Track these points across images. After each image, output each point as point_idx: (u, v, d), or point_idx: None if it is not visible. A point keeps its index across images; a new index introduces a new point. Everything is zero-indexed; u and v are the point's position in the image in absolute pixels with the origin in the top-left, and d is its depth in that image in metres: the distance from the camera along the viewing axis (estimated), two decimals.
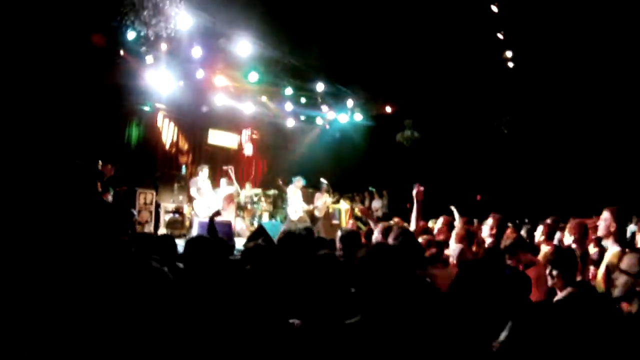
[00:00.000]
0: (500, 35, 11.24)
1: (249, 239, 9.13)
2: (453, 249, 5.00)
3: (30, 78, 8.25)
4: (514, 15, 10.79)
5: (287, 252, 3.92)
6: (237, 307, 2.60)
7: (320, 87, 13.83)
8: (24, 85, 8.01)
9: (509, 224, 6.17)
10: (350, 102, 15.04)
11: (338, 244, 4.95)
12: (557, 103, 13.07)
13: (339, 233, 4.96)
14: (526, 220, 8.95)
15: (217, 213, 6.47)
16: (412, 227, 5.37)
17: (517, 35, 11.49)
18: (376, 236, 5.31)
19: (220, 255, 3.43)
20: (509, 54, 11.94)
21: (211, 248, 3.25)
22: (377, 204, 13.93)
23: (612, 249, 4.07)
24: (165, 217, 11.33)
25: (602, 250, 4.48)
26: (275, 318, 2.59)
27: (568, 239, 5.24)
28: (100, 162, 10.03)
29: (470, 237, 5.24)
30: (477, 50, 11.62)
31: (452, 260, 4.86)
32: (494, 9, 10.34)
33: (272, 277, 3.32)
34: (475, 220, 8.11)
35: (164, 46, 10.24)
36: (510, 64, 12.07)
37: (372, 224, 6.71)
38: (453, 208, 7.53)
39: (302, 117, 16.16)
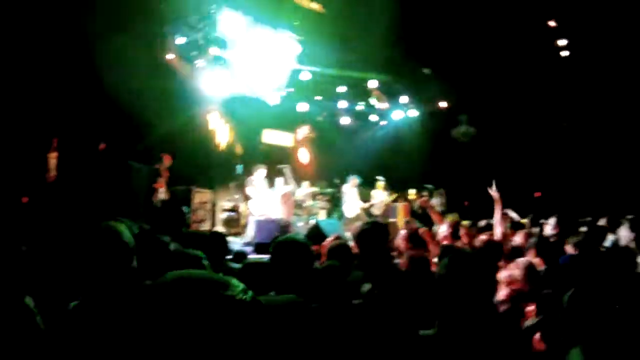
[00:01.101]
0: (552, 23, 10.73)
1: (305, 237, 9.31)
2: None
3: (87, 84, 8.67)
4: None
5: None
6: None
7: (373, 84, 13.73)
8: (79, 91, 8.42)
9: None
10: (404, 99, 14.83)
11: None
12: (620, 91, 12.29)
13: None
14: (588, 219, 8.47)
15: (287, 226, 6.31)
16: (497, 233, 4.90)
17: (570, 22, 10.93)
18: (444, 230, 5.44)
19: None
20: (562, 42, 11.36)
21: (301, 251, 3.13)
22: (434, 201, 13.66)
23: None
24: (221, 216, 11.59)
25: None
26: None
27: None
28: (163, 157, 10.45)
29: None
30: (529, 40, 11.15)
31: None
32: None
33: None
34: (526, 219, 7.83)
35: (213, 49, 10.44)
36: (565, 53, 11.48)
37: (434, 219, 6.64)
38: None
39: (356, 115, 16.09)
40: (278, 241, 2.83)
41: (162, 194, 10.14)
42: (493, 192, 5.07)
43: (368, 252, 3.36)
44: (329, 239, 4.53)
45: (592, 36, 11.19)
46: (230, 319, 0.97)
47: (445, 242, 5.27)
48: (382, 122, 16.55)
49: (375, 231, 3.43)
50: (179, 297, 0.97)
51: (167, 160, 10.44)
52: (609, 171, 12.97)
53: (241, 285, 1.03)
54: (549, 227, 5.29)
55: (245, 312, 1.00)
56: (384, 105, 15.44)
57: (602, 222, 6.96)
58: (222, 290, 1.01)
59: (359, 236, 3.48)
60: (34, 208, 5.68)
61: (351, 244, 3.86)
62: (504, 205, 9.26)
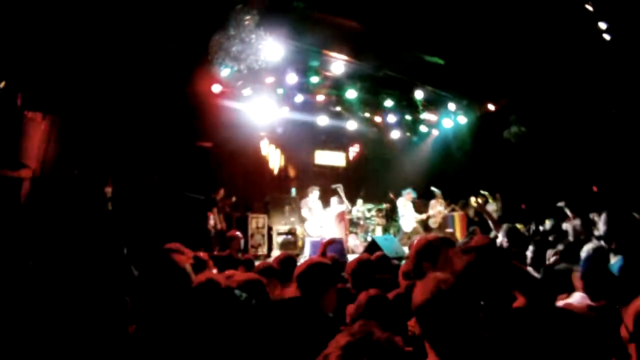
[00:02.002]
0: (589, 7, 10.32)
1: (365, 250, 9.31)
2: None
3: (147, 122, 9.10)
4: None
5: None
6: None
7: (419, 94, 13.66)
8: (135, 122, 8.83)
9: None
10: (452, 106, 14.66)
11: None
12: None
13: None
14: None
15: (332, 241, 6.37)
16: None
17: (609, 4, 10.49)
18: (501, 239, 5.17)
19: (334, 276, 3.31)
20: (603, 25, 10.89)
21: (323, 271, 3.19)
22: (490, 207, 13.34)
23: None
24: (278, 239, 11.77)
25: None
26: None
27: None
28: (221, 190, 10.80)
29: None
30: (571, 28, 10.76)
31: None
32: None
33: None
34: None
35: (258, 77, 10.72)
36: (607, 36, 10.99)
37: (491, 225, 6.50)
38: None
39: (406, 127, 16.02)
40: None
41: (218, 222, 10.43)
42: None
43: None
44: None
45: (631, 16, 10.72)
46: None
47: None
48: (433, 132, 16.37)
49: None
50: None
51: (221, 191, 10.77)
52: None
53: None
54: (600, 224, 5.02)
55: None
56: (432, 116, 15.30)
57: None
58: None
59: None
60: (94, 240, 6.00)
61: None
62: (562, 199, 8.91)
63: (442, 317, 2.10)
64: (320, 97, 13.24)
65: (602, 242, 4.01)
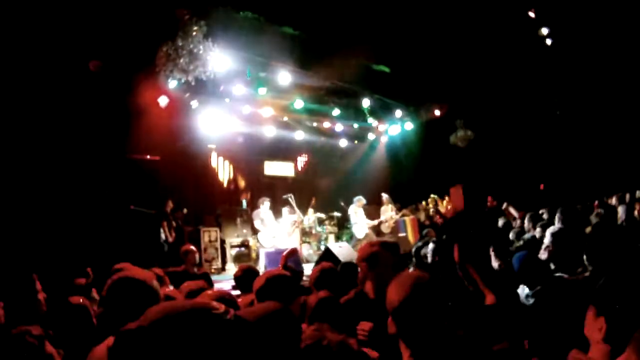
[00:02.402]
0: (532, 14, 10.84)
1: (317, 262, 9.31)
2: None
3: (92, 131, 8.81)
4: None
5: None
6: None
7: (366, 102, 13.85)
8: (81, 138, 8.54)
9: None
10: (398, 113, 14.95)
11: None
12: (605, 75, 12.37)
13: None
14: (596, 203, 8.51)
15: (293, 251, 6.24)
16: None
17: (550, 11, 11.06)
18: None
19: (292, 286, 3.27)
20: (544, 31, 11.47)
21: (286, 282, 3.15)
22: (442, 209, 13.66)
23: None
24: (231, 252, 11.62)
25: None
26: None
27: None
28: (170, 202, 10.56)
29: None
30: (513, 33, 11.26)
31: None
32: None
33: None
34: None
35: (205, 89, 10.59)
36: (549, 41, 11.57)
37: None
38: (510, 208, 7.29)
39: (354, 136, 16.22)
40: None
41: (169, 236, 10.21)
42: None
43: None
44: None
45: (570, 20, 11.34)
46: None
47: None
48: (381, 139, 16.64)
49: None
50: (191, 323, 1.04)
51: (169, 202, 10.55)
52: (605, 154, 13.01)
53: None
54: (556, 219, 5.28)
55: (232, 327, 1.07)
56: (379, 123, 15.54)
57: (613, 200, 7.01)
58: (213, 311, 1.10)
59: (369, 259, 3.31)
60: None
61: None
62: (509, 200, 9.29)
63: (419, 316, 2.11)
64: (268, 109, 13.22)
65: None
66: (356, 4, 10.01)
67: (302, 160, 16.54)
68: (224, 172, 14.25)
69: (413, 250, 5.59)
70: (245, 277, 4.81)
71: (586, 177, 12.65)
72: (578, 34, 11.52)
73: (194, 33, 8.22)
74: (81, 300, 3.43)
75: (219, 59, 9.21)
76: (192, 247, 7.02)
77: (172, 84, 9.59)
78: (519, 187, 12.49)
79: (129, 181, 8.98)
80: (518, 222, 7.92)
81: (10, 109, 7.54)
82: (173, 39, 8.16)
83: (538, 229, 5.22)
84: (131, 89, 9.26)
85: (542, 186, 13.51)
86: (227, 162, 14.31)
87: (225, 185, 14.27)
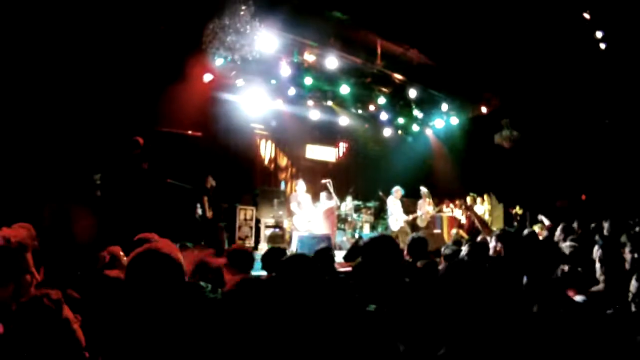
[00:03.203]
0: (587, 15, 10.35)
1: (349, 251, 9.29)
2: None
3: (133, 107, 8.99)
4: None
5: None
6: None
7: (413, 93, 13.62)
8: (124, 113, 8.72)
9: None
10: (445, 106, 14.66)
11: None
12: None
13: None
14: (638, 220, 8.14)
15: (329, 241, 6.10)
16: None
17: (605, 13, 10.54)
18: (493, 245, 4.91)
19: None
20: (599, 34, 10.94)
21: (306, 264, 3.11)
22: (478, 209, 13.39)
23: None
24: (265, 232, 11.71)
25: None
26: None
27: None
28: (210, 177, 10.71)
29: None
30: (567, 35, 10.80)
31: None
32: None
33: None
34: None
35: (252, 68, 10.64)
36: (602, 45, 11.04)
37: (479, 226, 6.45)
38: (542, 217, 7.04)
39: (398, 126, 16.02)
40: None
41: (207, 211, 10.36)
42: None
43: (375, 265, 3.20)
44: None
45: (626, 24, 10.78)
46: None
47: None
48: (425, 131, 16.39)
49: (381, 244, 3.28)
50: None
51: (210, 180, 10.68)
52: None
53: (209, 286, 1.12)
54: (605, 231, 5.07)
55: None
56: (425, 115, 15.30)
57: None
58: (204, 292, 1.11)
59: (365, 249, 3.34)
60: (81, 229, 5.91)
61: None
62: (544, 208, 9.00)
63: None
64: (312, 91, 13.20)
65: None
66: None
67: (343, 146, 16.48)
68: (265, 152, 14.35)
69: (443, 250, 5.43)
70: (269, 257, 4.86)
71: (629, 192, 12.10)
72: (633, 40, 10.95)
73: (242, 12, 8.24)
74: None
75: (265, 39, 9.22)
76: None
77: (219, 62, 9.67)
78: (558, 195, 12.10)
79: (169, 155, 9.12)
80: (544, 232, 7.62)
81: (52, 76, 7.73)
82: (220, 17, 8.20)
83: (567, 242, 4.96)
84: (178, 65, 9.38)
85: (583, 197, 13.00)
86: (269, 142, 14.40)
87: (265, 165, 14.38)
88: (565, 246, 4.73)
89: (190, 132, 10.17)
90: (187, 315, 2.26)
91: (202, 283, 2.55)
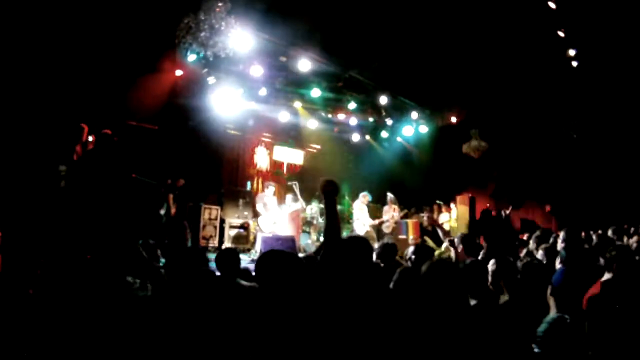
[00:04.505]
0: (561, 33, 10.63)
1: (315, 253, 9.26)
2: None
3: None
4: (574, 10, 10.21)
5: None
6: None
7: (383, 100, 13.71)
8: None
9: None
10: (414, 114, 14.80)
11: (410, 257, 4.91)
12: (629, 101, 12.15)
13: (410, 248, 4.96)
14: (600, 231, 8.38)
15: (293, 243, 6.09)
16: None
17: (579, 32, 10.86)
18: (456, 244, 5.39)
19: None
20: (572, 52, 11.28)
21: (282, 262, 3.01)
22: (444, 217, 13.56)
23: None
24: (230, 232, 11.57)
25: None
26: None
27: None
28: (169, 180, 10.53)
29: None
30: (539, 51, 11.08)
31: None
32: (552, 5, 9.81)
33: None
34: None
35: (224, 66, 10.52)
36: (574, 63, 11.38)
37: (441, 235, 6.60)
38: None
39: (367, 131, 16.09)
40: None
41: (170, 209, 10.19)
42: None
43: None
44: None
45: (598, 43, 11.13)
46: None
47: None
48: (394, 139, 16.52)
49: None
50: None
51: (181, 181, 10.54)
52: (619, 181, 12.83)
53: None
54: (560, 241, 5.16)
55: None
56: (394, 122, 15.42)
57: (609, 232, 6.92)
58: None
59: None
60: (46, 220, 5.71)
61: None
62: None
63: None
64: (283, 93, 13.14)
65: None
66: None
67: (312, 149, 16.46)
68: (233, 151, 14.21)
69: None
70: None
71: (593, 204, 12.48)
72: (605, 59, 11.30)
73: (217, 9, 8.14)
74: None
75: (239, 37, 9.12)
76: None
77: (191, 57, 9.53)
78: (524, 206, 12.38)
79: (134, 149, 8.92)
80: None
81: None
82: (195, 12, 8.08)
83: (540, 252, 5.11)
84: (149, 59, 9.20)
85: (548, 207, 13.33)
86: (237, 142, 14.26)
87: (232, 164, 14.22)
88: (540, 254, 4.91)
89: (147, 125, 9.94)
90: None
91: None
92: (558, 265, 4.62)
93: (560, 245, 5.18)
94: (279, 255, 2.76)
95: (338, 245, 3.08)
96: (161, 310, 2.45)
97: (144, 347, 2.25)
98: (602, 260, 4.42)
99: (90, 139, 7.54)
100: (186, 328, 2.38)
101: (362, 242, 2.99)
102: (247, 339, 2.29)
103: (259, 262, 2.73)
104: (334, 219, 3.20)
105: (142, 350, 2.23)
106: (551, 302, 4.02)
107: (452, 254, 5.68)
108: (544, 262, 4.91)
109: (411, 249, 4.96)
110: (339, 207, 13.65)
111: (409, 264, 4.95)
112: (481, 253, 5.16)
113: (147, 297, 2.42)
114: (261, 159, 15.14)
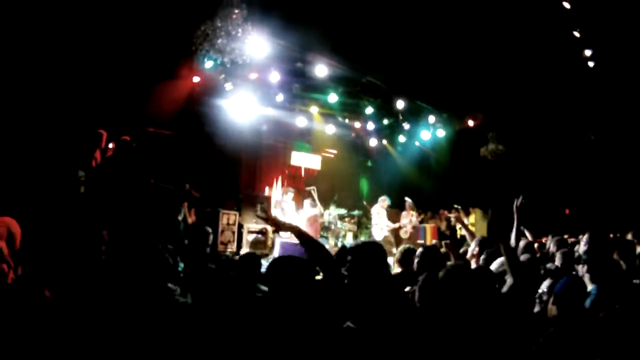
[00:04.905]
0: (576, 34, 10.50)
1: (336, 257, 9.24)
2: None
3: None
4: (589, 10, 10.07)
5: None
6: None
7: (400, 104, 13.67)
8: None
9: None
10: (432, 118, 14.73)
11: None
12: None
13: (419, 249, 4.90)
14: (618, 235, 8.26)
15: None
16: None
17: (595, 32, 10.71)
18: (473, 247, 5.26)
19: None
20: (588, 52, 11.13)
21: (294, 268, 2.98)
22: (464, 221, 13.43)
23: None
24: (248, 238, 11.60)
25: None
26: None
27: None
28: (187, 185, 10.59)
29: None
30: (555, 52, 10.95)
31: None
32: (567, 5, 9.70)
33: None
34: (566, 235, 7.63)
35: (241, 73, 10.59)
36: (591, 63, 11.23)
37: (468, 237, 6.49)
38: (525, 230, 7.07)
39: (384, 136, 16.05)
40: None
41: (188, 216, 10.24)
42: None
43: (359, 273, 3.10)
44: None
45: (615, 43, 10.97)
46: None
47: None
48: (412, 143, 16.44)
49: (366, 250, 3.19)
50: None
51: (193, 192, 10.60)
52: (637, 183, 12.60)
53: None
54: (582, 244, 5.07)
55: None
56: (412, 126, 15.35)
57: (629, 236, 6.77)
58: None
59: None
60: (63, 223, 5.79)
61: None
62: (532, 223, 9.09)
63: None
64: (301, 99, 13.18)
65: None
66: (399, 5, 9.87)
67: (328, 154, 16.45)
68: (249, 157, 14.26)
69: None
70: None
71: (612, 207, 12.27)
72: (621, 59, 11.13)
73: (234, 15, 8.20)
74: None
75: (256, 43, 9.17)
76: (207, 228, 6.97)
77: (208, 64, 9.61)
78: (541, 209, 12.19)
79: (153, 156, 8.99)
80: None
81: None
82: (212, 18, 8.15)
83: (559, 255, 5.00)
84: (167, 66, 9.29)
85: (567, 211, 13.15)
86: (255, 147, 14.32)
87: (250, 170, 14.28)
88: (558, 257, 4.83)
89: (165, 131, 10.03)
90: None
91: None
92: (580, 271, 4.49)
93: (582, 249, 5.09)
94: (289, 261, 2.76)
95: (349, 253, 3.08)
96: (202, 318, 2.46)
97: (185, 352, 2.27)
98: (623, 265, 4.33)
99: (110, 145, 7.63)
100: (216, 333, 2.39)
101: (375, 248, 2.98)
102: (262, 343, 2.29)
103: (269, 267, 2.75)
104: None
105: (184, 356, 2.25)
106: None
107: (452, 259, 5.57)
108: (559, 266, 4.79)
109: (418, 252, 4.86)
110: (356, 212, 13.74)
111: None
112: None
113: (187, 304, 2.45)
114: (279, 164, 15.17)
